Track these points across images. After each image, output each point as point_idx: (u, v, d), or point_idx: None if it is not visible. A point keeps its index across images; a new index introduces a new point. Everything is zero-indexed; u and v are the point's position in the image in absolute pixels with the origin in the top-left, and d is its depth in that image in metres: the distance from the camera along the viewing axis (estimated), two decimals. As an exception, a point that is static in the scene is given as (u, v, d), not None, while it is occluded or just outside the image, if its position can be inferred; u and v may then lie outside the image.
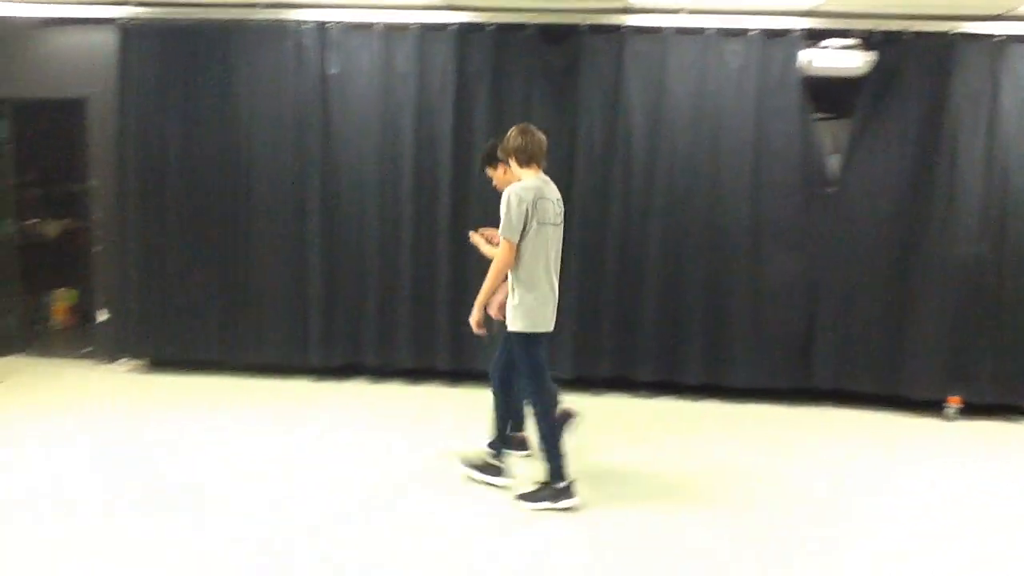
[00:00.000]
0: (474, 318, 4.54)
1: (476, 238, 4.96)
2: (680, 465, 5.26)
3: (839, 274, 6.45)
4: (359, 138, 6.62)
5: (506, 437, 4.86)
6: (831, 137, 6.52)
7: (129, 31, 6.70)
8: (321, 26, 6.55)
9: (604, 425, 5.98)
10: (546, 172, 4.53)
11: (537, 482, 4.58)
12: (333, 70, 6.59)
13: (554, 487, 4.47)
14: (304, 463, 5.09)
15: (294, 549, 3.98)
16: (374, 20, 6.51)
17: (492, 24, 6.46)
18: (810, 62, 6.18)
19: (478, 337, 4.80)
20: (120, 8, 6.68)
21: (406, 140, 6.59)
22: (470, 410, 6.20)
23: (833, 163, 6.42)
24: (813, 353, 6.52)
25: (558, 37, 6.46)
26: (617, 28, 6.38)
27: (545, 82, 6.53)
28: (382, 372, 6.85)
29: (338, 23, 6.54)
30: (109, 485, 4.70)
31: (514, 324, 4.39)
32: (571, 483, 4.48)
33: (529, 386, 4.47)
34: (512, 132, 4.45)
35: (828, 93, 6.34)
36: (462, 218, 6.61)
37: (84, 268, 7.76)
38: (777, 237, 6.48)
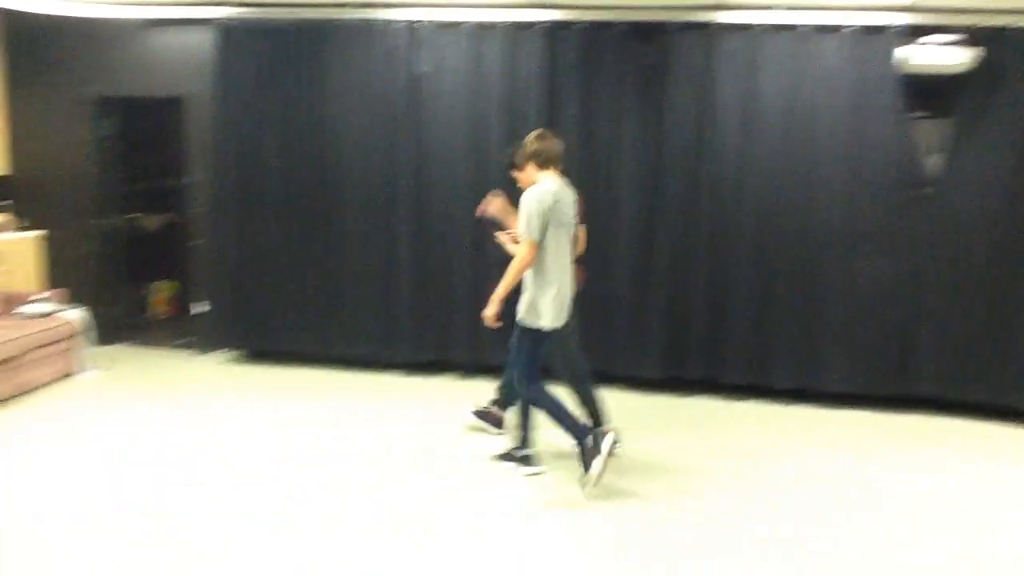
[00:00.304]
0: (491, 312, 4.69)
1: (503, 237, 5.12)
2: (764, 470, 5.17)
3: (939, 277, 6.23)
4: (447, 136, 6.68)
5: (599, 422, 5.12)
6: (930, 137, 6.30)
7: (226, 31, 6.91)
8: (410, 25, 6.63)
9: (692, 427, 5.93)
10: (566, 175, 4.82)
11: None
12: (424, 69, 6.67)
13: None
14: (390, 456, 5.18)
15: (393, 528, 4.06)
16: (463, 19, 6.55)
17: (581, 22, 6.44)
18: (909, 59, 5.97)
19: (493, 331, 4.96)
20: (218, 9, 6.89)
21: (493, 138, 6.62)
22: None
23: (932, 163, 6.20)
24: (912, 359, 6.32)
25: (648, 35, 6.40)
26: (708, 25, 6.29)
27: (633, 80, 6.47)
28: (470, 368, 6.90)
29: (427, 22, 6.61)
30: (207, 466, 4.88)
31: (526, 318, 4.67)
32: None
33: (524, 373, 4.72)
34: (530, 138, 4.72)
35: (927, 91, 6.12)
36: (548, 216, 6.62)
37: (183, 261, 8.04)
38: (873, 239, 6.29)
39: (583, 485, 4.68)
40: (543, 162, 4.68)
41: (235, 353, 7.46)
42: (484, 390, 6.60)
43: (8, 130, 7.63)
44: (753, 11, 6.22)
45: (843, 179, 6.25)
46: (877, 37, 6.11)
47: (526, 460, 4.94)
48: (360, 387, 6.64)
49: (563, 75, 6.54)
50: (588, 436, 4.65)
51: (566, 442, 4.81)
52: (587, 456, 4.62)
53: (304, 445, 5.35)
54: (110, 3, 6.92)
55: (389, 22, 6.66)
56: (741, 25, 6.25)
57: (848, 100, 6.18)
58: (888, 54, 6.06)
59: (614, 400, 6.41)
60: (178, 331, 8.24)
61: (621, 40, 6.41)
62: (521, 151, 4.78)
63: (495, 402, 5.62)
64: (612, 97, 6.50)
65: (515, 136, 6.52)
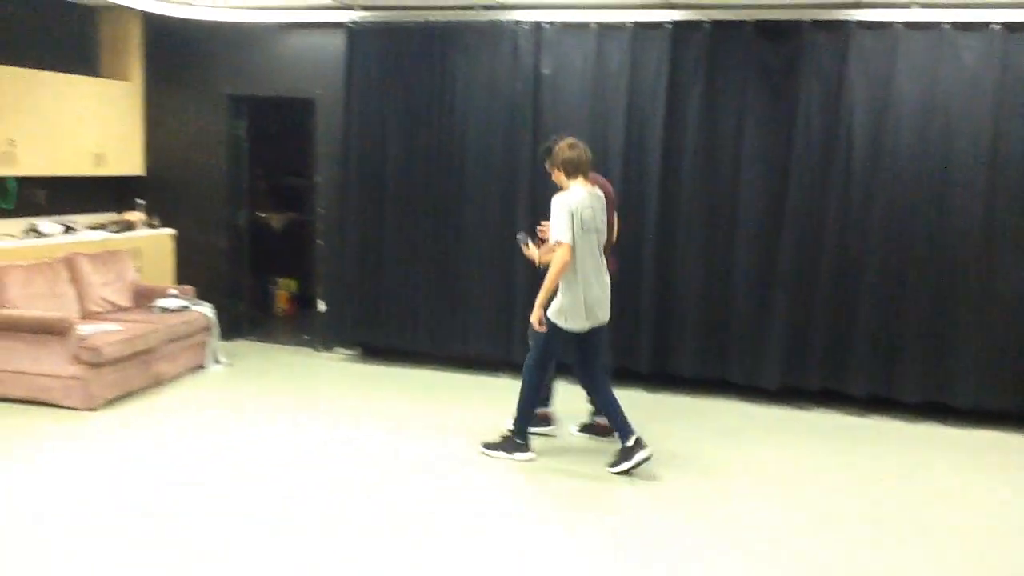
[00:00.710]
0: (536, 316, 4.87)
1: (532, 251, 5.21)
2: (886, 489, 4.96)
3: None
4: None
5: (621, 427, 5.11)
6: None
7: (356, 33, 7.05)
8: (537, 26, 6.64)
9: (810, 441, 5.73)
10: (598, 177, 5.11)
11: (502, 434, 5.18)
12: (545, 70, 6.67)
13: (515, 441, 5.09)
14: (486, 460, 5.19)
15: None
16: (589, 20, 6.53)
17: (707, 22, 6.33)
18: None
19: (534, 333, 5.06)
20: (348, 12, 7.03)
21: (616, 138, 6.58)
22: (670, 414, 6.13)
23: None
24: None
25: (778, 34, 6.25)
26: (843, 24, 6.10)
27: (761, 81, 6.33)
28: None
29: (554, 23, 6.61)
30: (331, 458, 4.97)
31: (549, 313, 4.88)
32: (528, 441, 5.11)
33: (535, 364, 5.02)
34: (562, 145, 4.95)
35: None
36: (670, 217, 6.54)
37: (305, 260, 8.23)
38: (1013, 247, 6.00)
39: (483, 444, 5.17)
40: (573, 170, 4.90)
41: (353, 351, 7.58)
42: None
43: (145, 132, 7.94)
44: (891, 9, 6.00)
45: (982, 183, 5.98)
46: (1023, 34, 5.83)
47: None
48: (475, 387, 6.67)
49: (687, 75, 6.45)
50: (529, 440, 5.10)
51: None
52: (508, 446, 5.10)
53: (407, 447, 5.39)
54: (245, 7, 7.14)
55: (516, 23, 6.68)
56: (878, 23, 6.05)
57: (990, 100, 5.91)
58: (1035, 52, 5.78)
59: (730, 409, 6.31)
60: (299, 328, 8.44)
61: (749, 40, 6.28)
62: (551, 158, 5.00)
63: (593, 414, 5.54)
64: (738, 98, 6.38)
65: (637, 137, 6.53)
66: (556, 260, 4.77)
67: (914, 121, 6.08)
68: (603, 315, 4.97)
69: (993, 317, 6.05)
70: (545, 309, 4.89)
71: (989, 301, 6.05)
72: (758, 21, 6.26)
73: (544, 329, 4.90)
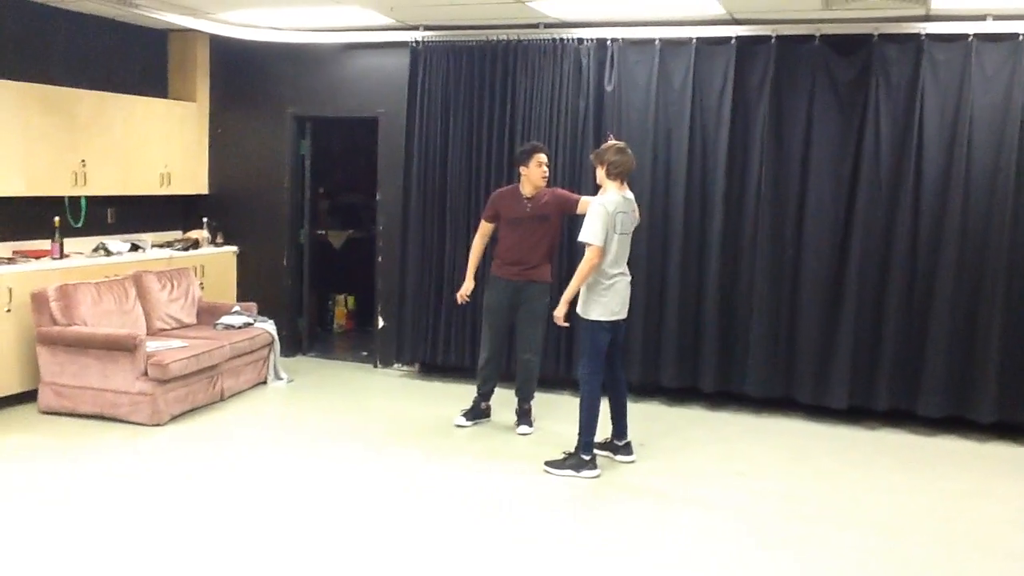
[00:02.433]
0: (561, 312, 5.14)
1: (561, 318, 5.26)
2: (951, 511, 4.80)
3: None
4: (632, 152, 6.57)
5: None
6: None
7: (419, 53, 7.09)
8: (600, 43, 6.62)
9: (879, 462, 5.58)
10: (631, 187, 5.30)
11: (565, 452, 5.18)
12: (608, 87, 6.64)
13: (580, 457, 5.08)
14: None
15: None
16: (653, 36, 6.49)
17: (773, 36, 6.26)
18: None
19: (561, 328, 5.46)
20: (412, 32, 7.08)
21: (680, 154, 6.52)
22: (731, 436, 6.04)
23: None
24: None
25: (847, 48, 6.16)
26: (914, 36, 5.99)
27: (829, 95, 6.24)
28: (644, 390, 6.74)
29: (617, 40, 6.58)
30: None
31: (588, 314, 5.08)
32: (594, 457, 5.11)
33: (588, 366, 5.13)
34: (611, 147, 5.13)
35: None
36: (733, 234, 6.47)
37: (363, 276, 8.26)
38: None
39: (546, 463, 5.15)
40: (616, 174, 5.08)
41: (412, 367, 7.58)
42: (657, 413, 6.51)
43: (210, 152, 8.06)
44: (965, 21, 5.87)
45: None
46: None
47: (589, 464, 5.11)
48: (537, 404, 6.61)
49: (752, 90, 6.38)
50: (593, 451, 5.11)
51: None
52: (574, 464, 5.09)
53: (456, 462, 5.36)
54: (308, 29, 7.23)
55: (580, 41, 6.67)
56: (951, 35, 5.93)
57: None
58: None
59: (794, 429, 6.18)
60: (357, 344, 8.48)
61: (817, 54, 6.19)
62: (598, 154, 5.20)
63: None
64: (805, 112, 6.28)
65: (700, 152, 6.49)
66: (586, 261, 4.99)
67: (988, 135, 5.94)
68: (625, 312, 5.20)
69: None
70: (572, 309, 5.12)
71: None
72: (825, 35, 6.17)
73: (568, 325, 5.22)
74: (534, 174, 5.76)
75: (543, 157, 5.78)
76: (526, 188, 5.81)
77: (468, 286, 6.09)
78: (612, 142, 5.27)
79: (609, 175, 5.09)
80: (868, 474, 5.34)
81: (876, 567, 4.04)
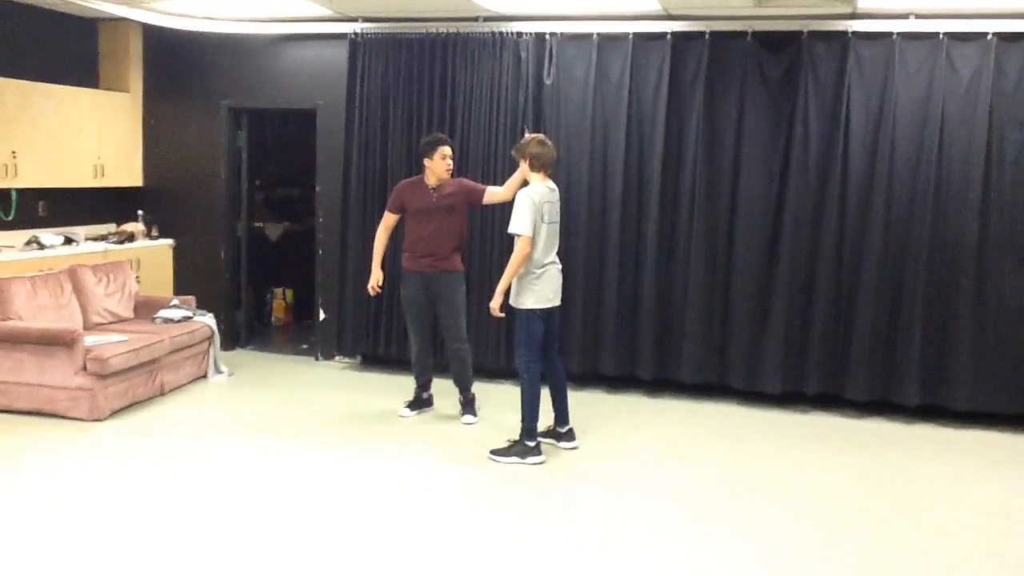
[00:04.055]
0: (495, 303, 5.27)
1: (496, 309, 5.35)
2: (879, 489, 5.04)
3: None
4: (571, 145, 6.72)
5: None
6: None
7: (358, 44, 7.10)
8: (539, 37, 6.71)
9: (811, 444, 5.81)
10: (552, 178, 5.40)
11: (510, 440, 5.30)
12: (547, 80, 6.74)
13: (525, 444, 5.20)
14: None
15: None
16: (591, 31, 6.60)
17: (707, 32, 6.43)
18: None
19: (499, 320, 5.61)
20: (351, 24, 7.07)
21: (617, 147, 6.65)
22: (670, 422, 6.20)
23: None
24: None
25: (777, 44, 6.36)
26: (841, 34, 6.21)
27: (760, 90, 6.43)
28: (584, 379, 6.88)
29: (555, 34, 6.68)
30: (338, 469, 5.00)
31: (522, 303, 5.22)
32: (539, 443, 5.24)
33: (525, 354, 5.25)
34: (532, 140, 5.32)
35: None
36: (669, 225, 6.63)
37: (301, 269, 8.24)
38: (1008, 252, 6.10)
39: (491, 451, 5.26)
40: (539, 166, 5.24)
41: (353, 359, 7.59)
42: (599, 399, 6.65)
43: (144, 144, 7.95)
44: (889, 20, 6.12)
45: (977, 190, 6.09)
46: (1019, 44, 5.96)
47: (534, 451, 5.24)
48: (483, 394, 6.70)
49: (687, 85, 6.54)
50: (536, 437, 5.25)
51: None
52: (518, 450, 5.20)
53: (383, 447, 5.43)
54: (245, 19, 7.17)
55: (519, 34, 6.75)
56: (876, 33, 6.17)
57: (985, 109, 6.02)
58: (1031, 61, 5.91)
59: (730, 414, 6.38)
60: (296, 337, 8.46)
61: (749, 50, 6.38)
62: (519, 148, 5.36)
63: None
64: (737, 107, 6.47)
65: (637, 145, 6.63)
66: (517, 251, 5.15)
67: (910, 129, 6.19)
68: (558, 299, 5.36)
69: (987, 322, 6.15)
70: (507, 299, 5.25)
71: (984, 306, 6.15)
72: (757, 32, 6.36)
73: (503, 316, 5.36)
74: (438, 166, 5.84)
75: (447, 150, 5.86)
76: (430, 179, 5.89)
77: (377, 276, 6.09)
78: (532, 135, 5.43)
79: (532, 167, 5.24)
80: (801, 455, 5.55)
81: (810, 541, 4.23)
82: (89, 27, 7.67)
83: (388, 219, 6.08)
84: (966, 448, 5.84)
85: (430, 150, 5.86)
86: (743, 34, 6.38)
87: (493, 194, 5.86)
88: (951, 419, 6.25)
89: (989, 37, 5.98)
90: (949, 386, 6.23)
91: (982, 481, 5.20)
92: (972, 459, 5.60)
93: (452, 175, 5.97)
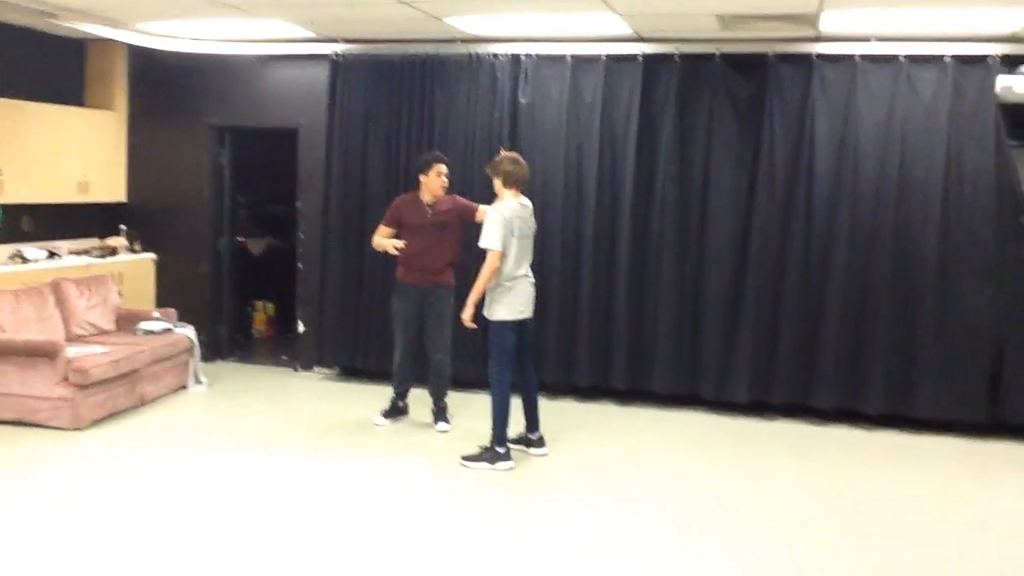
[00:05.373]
0: (467, 315, 5.41)
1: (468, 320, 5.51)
2: (844, 493, 5.20)
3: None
4: (546, 164, 6.88)
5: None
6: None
7: (339, 65, 7.28)
8: (515, 59, 6.91)
9: (778, 451, 5.98)
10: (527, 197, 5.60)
11: (480, 446, 5.42)
12: (522, 100, 6.93)
13: (495, 451, 5.34)
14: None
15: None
16: (565, 52, 6.81)
17: (678, 54, 6.64)
18: (1012, 88, 6.02)
19: (473, 331, 5.69)
20: (331, 45, 7.26)
21: (590, 166, 6.84)
22: (640, 430, 6.36)
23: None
24: (1002, 386, 6.28)
25: (745, 66, 6.57)
26: (806, 56, 6.43)
27: (729, 111, 6.64)
28: (558, 389, 7.03)
29: (531, 56, 6.88)
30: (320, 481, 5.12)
31: (494, 315, 5.37)
32: (509, 450, 5.37)
33: (496, 364, 5.41)
34: (505, 159, 5.48)
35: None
36: (641, 241, 6.81)
37: (283, 284, 8.36)
38: (967, 267, 6.31)
39: (463, 457, 5.40)
40: (511, 183, 5.42)
41: (332, 371, 7.72)
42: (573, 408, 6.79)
43: (128, 161, 8.09)
44: (851, 42, 6.34)
45: (937, 207, 6.29)
46: (976, 67, 6.20)
47: (504, 456, 5.37)
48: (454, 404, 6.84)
49: (658, 105, 6.75)
50: (507, 444, 5.38)
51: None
52: (489, 457, 5.34)
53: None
54: (229, 40, 7.34)
55: (495, 56, 6.95)
56: (839, 56, 6.39)
57: (944, 129, 6.25)
58: (987, 84, 6.14)
59: (699, 422, 6.54)
60: (276, 349, 8.58)
61: (718, 72, 6.59)
62: (492, 166, 5.52)
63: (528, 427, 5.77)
64: (706, 127, 6.67)
65: (610, 164, 6.81)
66: (486, 265, 5.29)
67: (873, 149, 6.40)
68: (530, 311, 5.50)
69: (948, 334, 6.34)
70: (479, 311, 5.40)
71: (944, 318, 6.34)
72: (725, 54, 6.57)
73: (476, 326, 5.49)
74: (434, 183, 6.00)
75: (443, 167, 6.02)
76: (425, 196, 6.05)
77: (396, 243, 6.07)
78: (505, 154, 5.61)
79: (505, 184, 5.41)
80: (767, 461, 5.72)
81: (777, 544, 4.38)
82: (77, 48, 7.82)
83: (382, 231, 6.19)
84: (927, 454, 6.02)
85: (426, 168, 6.01)
86: (711, 56, 6.59)
87: (484, 213, 5.96)
88: (913, 426, 6.43)
89: (947, 60, 6.22)
90: (911, 395, 6.41)
91: (942, 483, 5.38)
92: (933, 463, 5.79)
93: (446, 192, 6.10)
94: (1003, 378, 6.27)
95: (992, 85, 6.12)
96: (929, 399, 6.37)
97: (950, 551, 4.38)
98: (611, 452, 5.78)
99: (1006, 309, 6.26)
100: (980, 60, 6.19)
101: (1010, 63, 6.14)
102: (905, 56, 6.29)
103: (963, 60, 6.21)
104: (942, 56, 6.23)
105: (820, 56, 6.42)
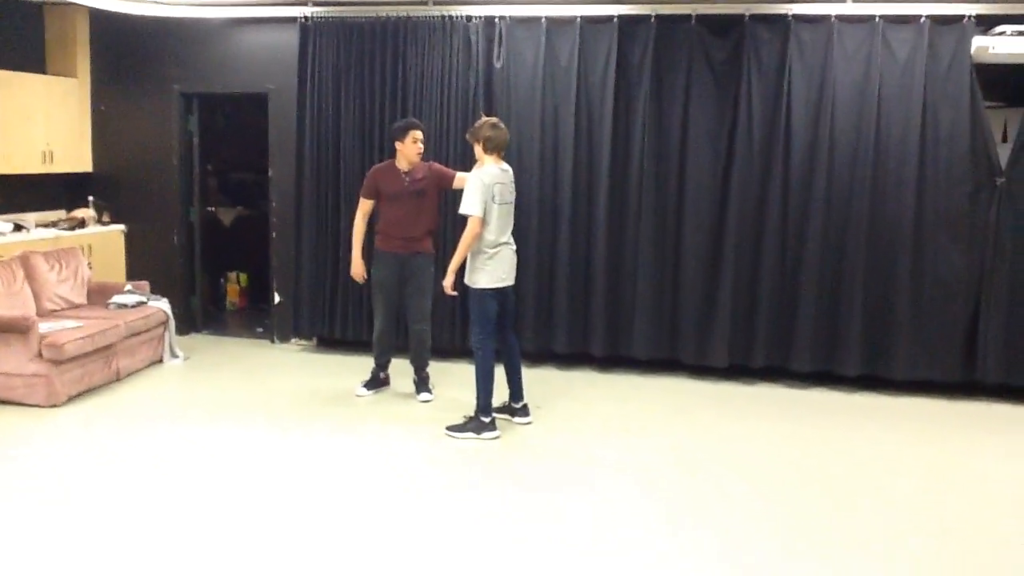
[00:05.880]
0: (448, 282, 5.39)
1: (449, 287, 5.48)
2: (824, 456, 5.26)
3: (1007, 266, 6.29)
4: (521, 128, 6.82)
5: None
6: (1003, 126, 6.37)
7: (309, 28, 7.13)
8: (489, 21, 6.80)
9: (758, 414, 6.03)
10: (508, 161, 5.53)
11: (466, 416, 5.44)
12: (497, 64, 6.83)
13: (480, 420, 5.34)
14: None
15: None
16: (540, 14, 6.71)
17: (654, 15, 6.57)
18: (987, 48, 6.02)
19: (450, 298, 5.76)
20: (301, 8, 7.10)
21: (567, 129, 6.78)
22: (622, 397, 6.38)
23: (1004, 153, 6.27)
24: (978, 347, 6.36)
25: (721, 27, 6.52)
26: (782, 17, 6.39)
27: (705, 73, 6.59)
28: (538, 357, 7.03)
29: (505, 18, 6.78)
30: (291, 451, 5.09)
31: (476, 283, 5.34)
32: (494, 419, 5.37)
33: (479, 333, 5.39)
34: (485, 123, 5.41)
35: (1003, 80, 6.18)
36: (619, 206, 6.78)
37: (256, 254, 8.26)
38: (943, 227, 6.36)
39: (447, 427, 5.41)
40: (492, 148, 5.35)
41: (309, 342, 7.66)
42: (550, 377, 6.79)
43: (94, 129, 7.90)
44: (827, 3, 6.31)
45: (913, 167, 6.32)
46: (951, 27, 6.19)
47: (489, 426, 5.38)
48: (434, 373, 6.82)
49: (634, 67, 6.69)
50: (492, 413, 5.38)
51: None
52: (473, 426, 5.34)
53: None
54: (194, 3, 7.15)
55: (469, 18, 6.83)
56: (815, 16, 6.36)
57: (920, 90, 6.25)
58: (962, 44, 6.14)
59: (680, 388, 6.58)
60: (251, 321, 8.49)
61: (694, 33, 6.54)
62: (472, 132, 5.47)
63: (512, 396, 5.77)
64: (683, 88, 6.62)
65: (587, 127, 6.75)
66: (467, 231, 5.26)
67: (849, 109, 6.40)
68: (511, 279, 5.49)
69: (924, 295, 6.41)
70: (460, 278, 5.37)
71: (920, 280, 6.40)
72: (701, 15, 6.52)
73: (456, 294, 5.50)
74: (409, 150, 5.92)
75: (419, 133, 5.94)
76: (402, 163, 5.98)
77: (360, 265, 6.17)
78: (485, 119, 5.54)
79: (486, 150, 5.35)
80: (748, 425, 5.77)
81: (758, 508, 4.43)
82: (34, 12, 7.60)
83: (364, 205, 6.12)
84: (905, 415, 6.10)
85: (402, 134, 5.92)
86: (688, 17, 6.53)
87: (462, 179, 5.91)
88: (890, 388, 6.51)
89: (923, 20, 6.21)
90: (888, 357, 6.48)
91: (920, 444, 5.46)
92: (911, 424, 5.87)
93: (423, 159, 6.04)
94: (978, 339, 6.34)
95: (968, 46, 6.12)
96: (906, 360, 6.44)
97: (931, 513, 4.45)
98: (594, 420, 5.79)
99: (981, 270, 6.32)
100: (956, 20, 6.19)
101: (986, 23, 6.14)
102: (881, 16, 6.27)
103: (939, 20, 6.21)
104: (918, 16, 6.22)
105: (796, 16, 6.39)
